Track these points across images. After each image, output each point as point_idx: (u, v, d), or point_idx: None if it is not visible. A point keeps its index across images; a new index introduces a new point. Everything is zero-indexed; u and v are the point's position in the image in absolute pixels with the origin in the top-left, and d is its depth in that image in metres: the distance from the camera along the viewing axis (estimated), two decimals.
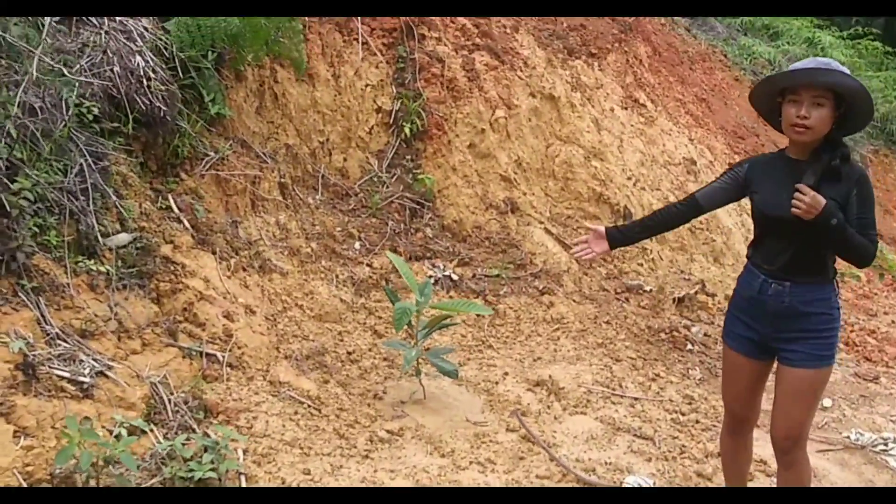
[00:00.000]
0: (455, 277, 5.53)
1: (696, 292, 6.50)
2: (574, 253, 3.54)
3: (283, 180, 5.28)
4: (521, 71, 6.94)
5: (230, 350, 3.90)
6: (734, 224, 7.60)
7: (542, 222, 6.37)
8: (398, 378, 4.57)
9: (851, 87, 2.83)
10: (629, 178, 7.10)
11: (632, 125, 7.75)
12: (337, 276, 5.06)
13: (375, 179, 5.91)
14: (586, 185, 6.78)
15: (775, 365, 3.17)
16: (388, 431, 3.91)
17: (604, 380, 5.03)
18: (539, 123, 6.90)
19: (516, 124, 6.69)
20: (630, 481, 3.82)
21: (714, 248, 7.14)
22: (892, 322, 8.08)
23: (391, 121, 6.13)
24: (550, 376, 4.79)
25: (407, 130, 6.06)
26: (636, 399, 4.89)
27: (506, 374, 4.86)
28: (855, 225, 2.87)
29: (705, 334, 6.19)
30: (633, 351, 5.52)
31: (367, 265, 5.30)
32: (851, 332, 7.36)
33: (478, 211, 6.11)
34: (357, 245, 5.38)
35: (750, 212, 3.18)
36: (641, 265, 6.59)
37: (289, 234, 5.07)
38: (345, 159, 5.86)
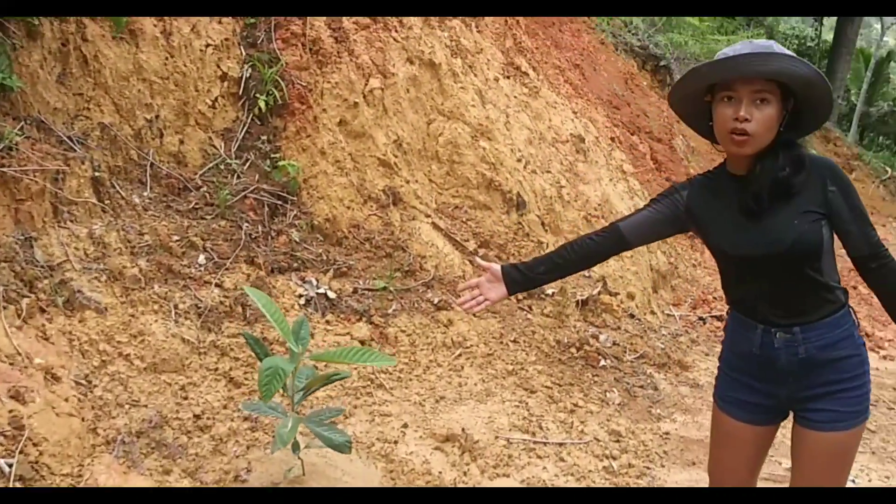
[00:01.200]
0: (332, 295, 4.37)
1: (598, 292, 5.70)
2: (463, 304, 2.58)
3: (97, 174, 3.90)
4: (397, 31, 5.77)
5: (20, 451, 2.58)
6: (627, 209, 6.85)
7: (428, 215, 5.30)
8: (265, 447, 3.42)
9: (803, 74, 2.11)
10: (519, 160, 6.15)
11: (516, 97, 6.79)
12: (176, 307, 3.78)
13: (223, 168, 4.60)
14: (475, 169, 5.76)
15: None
16: None
17: (521, 422, 4.10)
18: (419, 95, 5.79)
19: (394, 96, 5.55)
20: None
21: None
22: None
23: (240, 91, 4.82)
24: (463, 430, 3.78)
25: (262, 104, 4.78)
26: (561, 445, 4.01)
27: (405, 426, 3.82)
28: (853, 225, 2.20)
29: (614, 342, 5.41)
30: (546, 376, 4.62)
31: (217, 285, 4.04)
32: None
33: (354, 205, 4.95)
34: (202, 259, 4.10)
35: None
36: None
37: (107, 251, 3.72)
38: (181, 142, 4.51)
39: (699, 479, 4.03)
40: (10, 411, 2.63)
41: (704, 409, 4.99)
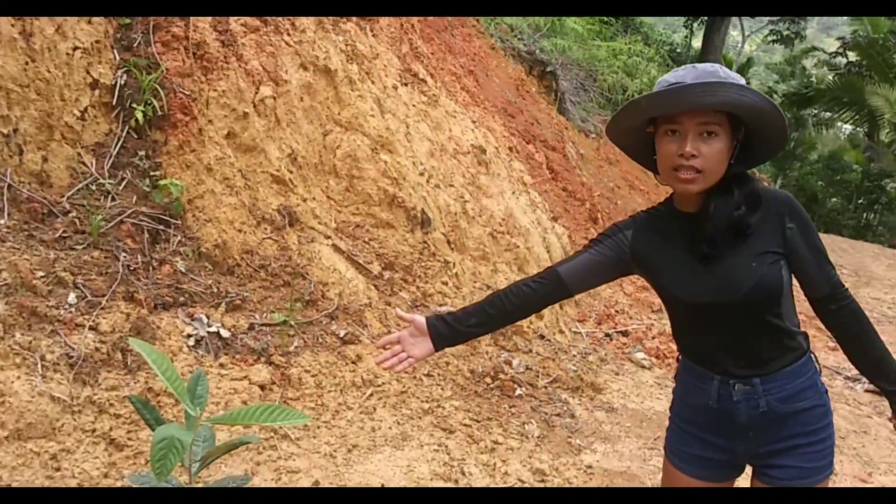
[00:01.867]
0: (225, 333, 3.87)
1: None
2: (383, 364, 2.24)
3: None
4: (289, 35, 5.29)
5: None
6: (531, 223, 6.63)
7: (328, 236, 4.86)
8: None
9: (754, 104, 1.89)
10: (422, 174, 5.79)
11: (415, 105, 6.43)
12: (42, 358, 3.20)
13: (94, 189, 4.01)
14: (376, 185, 5.36)
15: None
16: None
17: (443, 469, 3.76)
18: (314, 104, 5.34)
19: (287, 105, 5.07)
20: None
21: (518, 255, 6.11)
22: None
23: (114, 101, 4.24)
24: (382, 486, 3.39)
25: (139, 115, 4.21)
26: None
27: (316, 483, 3.39)
28: (813, 265, 2.01)
29: (527, 367, 5.16)
30: (463, 412, 4.29)
31: (91, 329, 3.48)
32: (653, 338, 6.78)
33: (246, 227, 4.45)
34: (72, 297, 3.53)
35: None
36: (446, 283, 5.35)
37: None
38: (45, 159, 3.89)
39: None
40: None
41: (623, 436, 4.81)
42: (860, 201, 33.34)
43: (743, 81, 1.93)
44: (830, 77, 31.83)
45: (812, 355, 2.15)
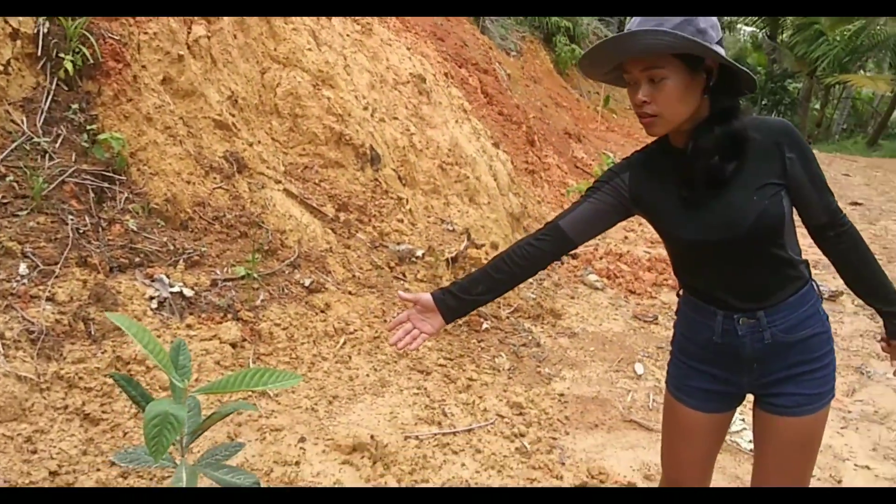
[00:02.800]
0: (188, 292, 3.71)
1: (465, 247, 5.38)
2: (397, 343, 2.19)
3: None
4: None
5: None
6: (476, 152, 6.54)
7: (278, 181, 4.68)
8: None
9: (669, 45, 1.82)
10: (365, 108, 5.61)
11: (349, 36, 6.18)
12: (2, 336, 3.00)
13: (29, 148, 3.73)
14: (320, 123, 5.17)
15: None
16: None
17: (425, 413, 3.74)
18: (248, 41, 5.06)
19: (222, 45, 4.80)
20: None
21: (468, 186, 6.03)
22: (625, 238, 7.80)
23: (38, 51, 3.90)
24: (372, 437, 3.35)
25: (68, 65, 3.90)
26: (470, 432, 3.71)
27: (302, 440, 3.33)
28: (813, 194, 1.99)
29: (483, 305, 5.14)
30: (436, 352, 4.27)
31: (49, 300, 3.27)
32: (601, 258, 6.87)
33: (194, 178, 4.23)
34: (23, 268, 3.30)
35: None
36: (402, 221, 5.25)
37: None
38: None
39: (604, 442, 3.91)
40: None
41: (588, 360, 4.89)
42: (764, 102, 34.31)
43: (709, 24, 1.86)
44: None
45: (813, 282, 2.16)
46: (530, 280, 5.79)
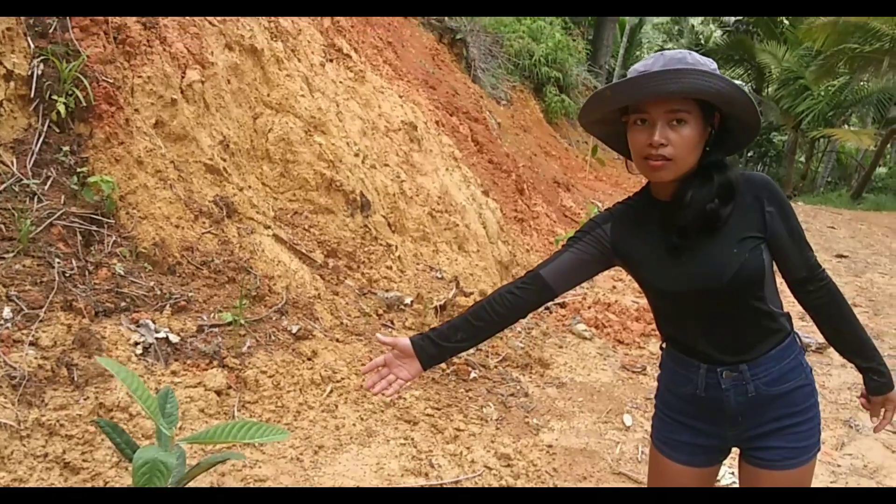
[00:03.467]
0: (174, 338, 3.66)
1: (454, 295, 5.37)
2: (373, 389, 2.16)
3: None
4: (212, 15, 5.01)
5: None
6: (466, 200, 6.56)
7: (268, 226, 4.67)
8: None
9: (722, 91, 1.85)
10: (356, 155, 5.63)
11: (342, 83, 6.23)
12: None
13: (17, 190, 3.70)
14: (311, 168, 5.18)
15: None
16: None
17: (412, 464, 3.69)
18: (242, 86, 5.09)
19: (215, 90, 4.82)
20: None
21: (457, 233, 6.03)
22: (613, 288, 7.81)
23: (31, 93, 3.91)
24: (357, 486, 3.29)
25: (60, 107, 3.90)
26: (457, 483, 3.65)
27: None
28: (793, 248, 2.01)
29: (477, 348, 5.11)
30: (424, 402, 4.22)
31: (32, 344, 3.22)
32: (589, 308, 6.86)
33: (183, 222, 4.21)
34: (7, 312, 3.25)
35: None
36: (391, 267, 5.24)
37: None
38: None
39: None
40: None
41: (576, 411, 4.85)
42: (750, 154, 34.78)
43: (713, 67, 1.89)
44: (719, 34, 32.86)
45: (796, 335, 2.16)
46: (518, 329, 5.78)
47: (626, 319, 6.62)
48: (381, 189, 5.62)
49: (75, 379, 3.24)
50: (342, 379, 4.02)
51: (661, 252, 2.03)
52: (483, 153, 8.51)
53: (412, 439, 3.84)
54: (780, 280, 2.09)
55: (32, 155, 3.83)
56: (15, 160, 3.77)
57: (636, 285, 7.52)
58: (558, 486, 3.89)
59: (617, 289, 7.75)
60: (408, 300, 4.99)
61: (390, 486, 3.45)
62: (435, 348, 2.11)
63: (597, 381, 5.40)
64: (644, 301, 7.35)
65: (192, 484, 2.94)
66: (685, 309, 2.07)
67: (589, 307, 6.82)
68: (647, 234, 2.06)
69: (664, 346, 2.28)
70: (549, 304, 6.54)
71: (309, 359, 4.03)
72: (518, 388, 4.91)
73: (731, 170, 1.98)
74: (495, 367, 5.04)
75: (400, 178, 5.90)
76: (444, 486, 3.59)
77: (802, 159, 31.14)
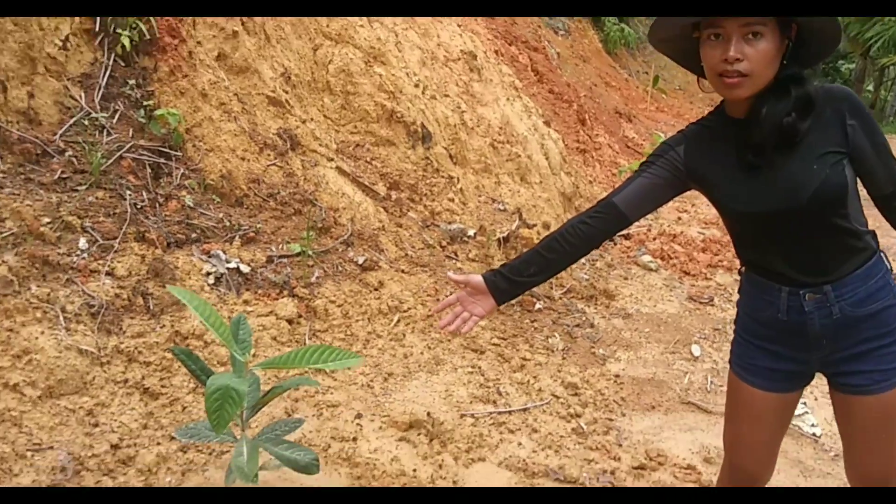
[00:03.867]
0: (244, 268, 3.71)
1: (517, 227, 5.31)
2: (447, 327, 2.13)
3: None
4: None
5: None
6: (527, 130, 6.45)
7: (331, 158, 4.66)
8: (202, 470, 2.83)
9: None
10: (416, 86, 5.55)
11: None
12: (63, 309, 3.02)
13: (87, 124, 3.75)
14: (372, 100, 5.13)
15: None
16: None
17: (480, 391, 3.70)
18: (301, 18, 5.03)
19: (275, 21, 4.77)
20: None
21: (519, 165, 5.95)
22: (678, 219, 7.66)
23: (96, 27, 3.92)
24: (429, 414, 3.32)
25: (125, 41, 3.91)
26: (525, 411, 3.65)
27: (358, 416, 3.31)
28: (878, 163, 1.89)
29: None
30: (490, 332, 4.22)
31: (108, 274, 3.29)
32: (654, 239, 6.74)
33: (249, 155, 4.22)
34: (83, 242, 3.32)
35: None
36: (453, 200, 5.20)
37: None
38: (30, 95, 3.61)
39: (661, 424, 3.83)
40: None
41: (643, 342, 4.80)
42: (816, 83, 33.66)
43: None
44: None
45: (882, 254, 2.06)
46: (583, 261, 5.72)
47: (692, 251, 6.50)
48: (442, 120, 5.55)
49: (151, 308, 3.31)
50: (409, 309, 4.03)
51: (738, 172, 1.94)
52: (543, 83, 8.33)
53: (479, 368, 3.85)
54: (864, 196, 1.99)
55: (100, 89, 3.86)
56: (83, 94, 3.81)
57: (702, 216, 7.36)
58: (626, 415, 3.87)
59: (682, 220, 7.60)
60: (471, 232, 4.95)
61: (461, 414, 3.47)
62: (507, 283, 2.08)
63: (663, 313, 5.33)
64: (710, 232, 7.21)
65: (265, 409, 3.00)
66: (765, 230, 1.98)
67: (654, 238, 6.70)
68: (723, 154, 1.97)
69: (742, 270, 2.21)
70: (614, 235, 6.46)
71: (375, 289, 4.04)
72: (583, 319, 4.87)
73: (809, 83, 1.88)
74: (560, 298, 5.00)
75: (460, 108, 5.81)
76: (513, 411, 3.59)
77: (871, 88, 29.88)
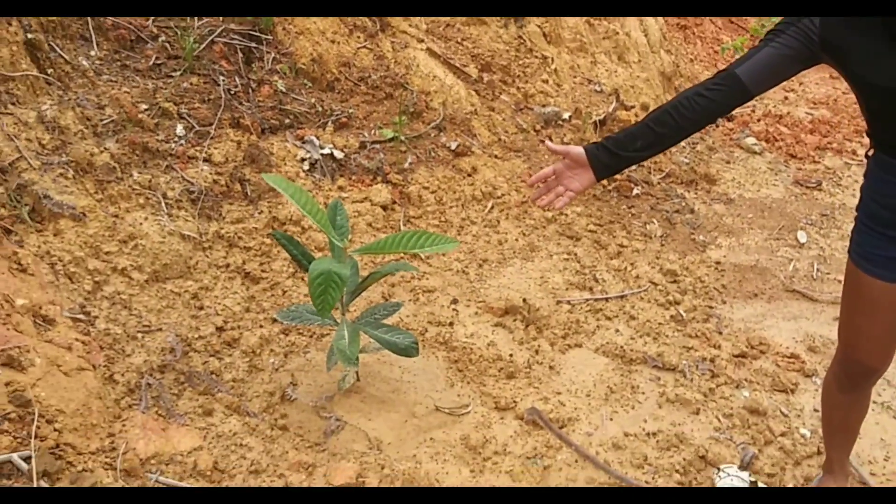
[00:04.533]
0: (338, 154, 3.68)
1: (614, 109, 5.09)
2: (541, 202, 2.02)
3: (30, 36, 3.03)
4: None
5: (35, 436, 1.97)
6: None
7: (421, 40, 4.52)
8: (304, 352, 2.90)
9: None
10: None
11: None
12: (164, 196, 3.08)
13: None
14: None
15: None
16: (324, 476, 2.30)
17: (576, 278, 3.64)
18: None
19: None
20: (724, 482, 2.54)
21: (617, 43, 5.66)
22: (785, 99, 7.23)
23: None
24: (525, 300, 3.29)
25: None
26: (622, 297, 3.59)
27: (454, 301, 3.31)
28: None
29: (639, 164, 4.89)
30: (585, 218, 4.12)
31: (206, 161, 3.32)
32: (758, 120, 6.40)
33: (339, 37, 4.13)
34: (180, 129, 3.34)
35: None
36: (547, 82, 5.01)
37: (66, 136, 2.95)
38: None
39: (763, 311, 3.71)
40: (8, 384, 2.00)
41: (746, 227, 4.61)
42: None
43: None
44: None
45: None
46: (683, 144, 5.48)
47: (799, 132, 6.14)
48: None
49: (248, 193, 3.34)
50: (503, 195, 3.96)
51: (882, 43, 1.75)
52: None
53: (575, 254, 3.78)
54: None
55: None
56: None
57: (810, 95, 6.89)
58: (726, 302, 3.76)
59: (789, 100, 7.17)
60: (566, 115, 4.78)
61: (557, 300, 3.43)
62: (610, 157, 1.95)
63: (767, 197, 5.09)
64: (819, 112, 6.79)
65: (364, 294, 3.02)
66: None
67: (758, 120, 6.36)
68: (866, 23, 1.77)
69: (870, 152, 2.03)
70: (733, 111, 6.15)
71: (469, 175, 3.98)
72: (683, 204, 4.70)
73: None
74: (658, 183, 4.82)
75: None
76: (610, 298, 3.53)
77: None
